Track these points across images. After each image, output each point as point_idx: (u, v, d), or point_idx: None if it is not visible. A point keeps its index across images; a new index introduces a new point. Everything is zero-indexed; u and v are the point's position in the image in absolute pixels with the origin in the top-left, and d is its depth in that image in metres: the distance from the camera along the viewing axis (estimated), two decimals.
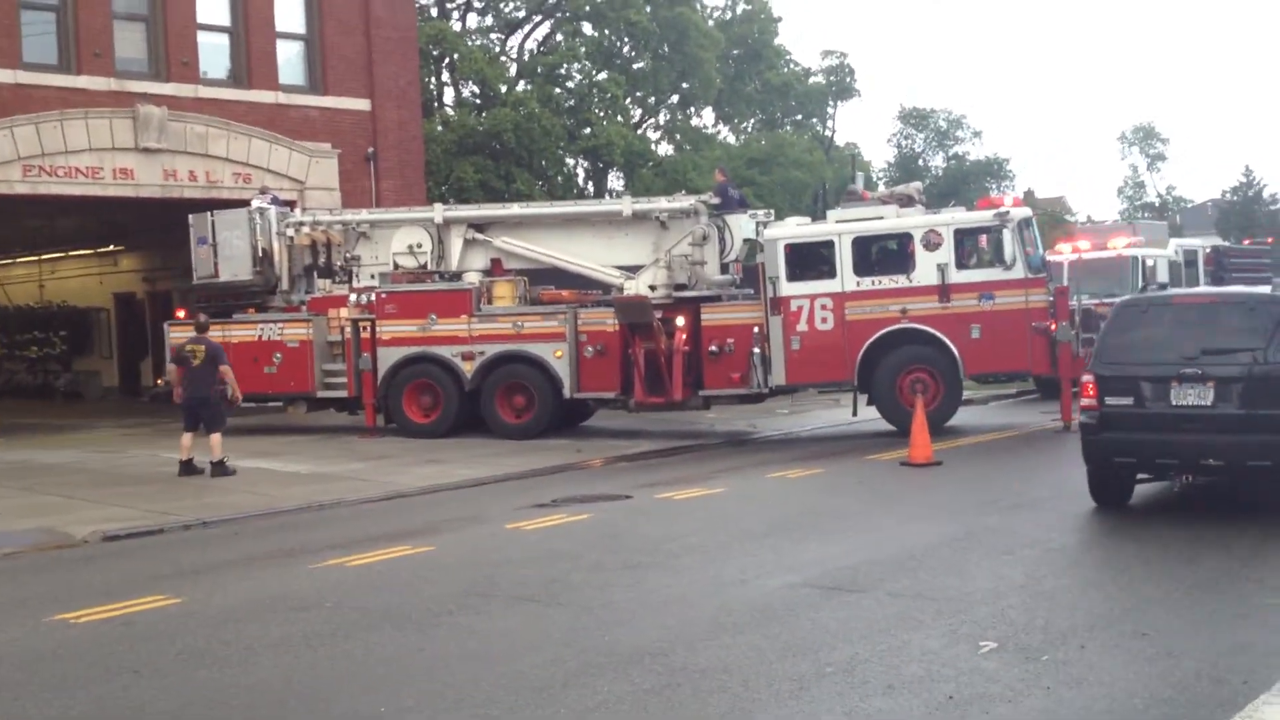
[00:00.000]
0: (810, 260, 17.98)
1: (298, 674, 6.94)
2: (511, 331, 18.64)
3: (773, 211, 20.94)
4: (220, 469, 15.06)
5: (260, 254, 20.45)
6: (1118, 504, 11.05)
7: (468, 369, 18.71)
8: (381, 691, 6.54)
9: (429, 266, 19.70)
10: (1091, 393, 10.62)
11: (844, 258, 17.61)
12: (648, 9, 37.72)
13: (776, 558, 9.57)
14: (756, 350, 17.76)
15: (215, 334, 18.08)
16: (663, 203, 19.27)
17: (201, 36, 24.11)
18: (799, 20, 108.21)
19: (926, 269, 17.28)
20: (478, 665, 6.94)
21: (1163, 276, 24.22)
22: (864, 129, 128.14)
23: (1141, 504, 11.34)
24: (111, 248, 31.98)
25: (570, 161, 38.24)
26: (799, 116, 49.63)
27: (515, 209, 20.83)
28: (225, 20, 24.54)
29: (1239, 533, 9.90)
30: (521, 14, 40.84)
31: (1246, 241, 33.92)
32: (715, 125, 46.48)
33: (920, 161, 57.06)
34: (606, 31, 38.30)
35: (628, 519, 11.77)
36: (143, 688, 6.79)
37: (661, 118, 43.01)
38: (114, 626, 8.15)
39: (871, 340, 17.39)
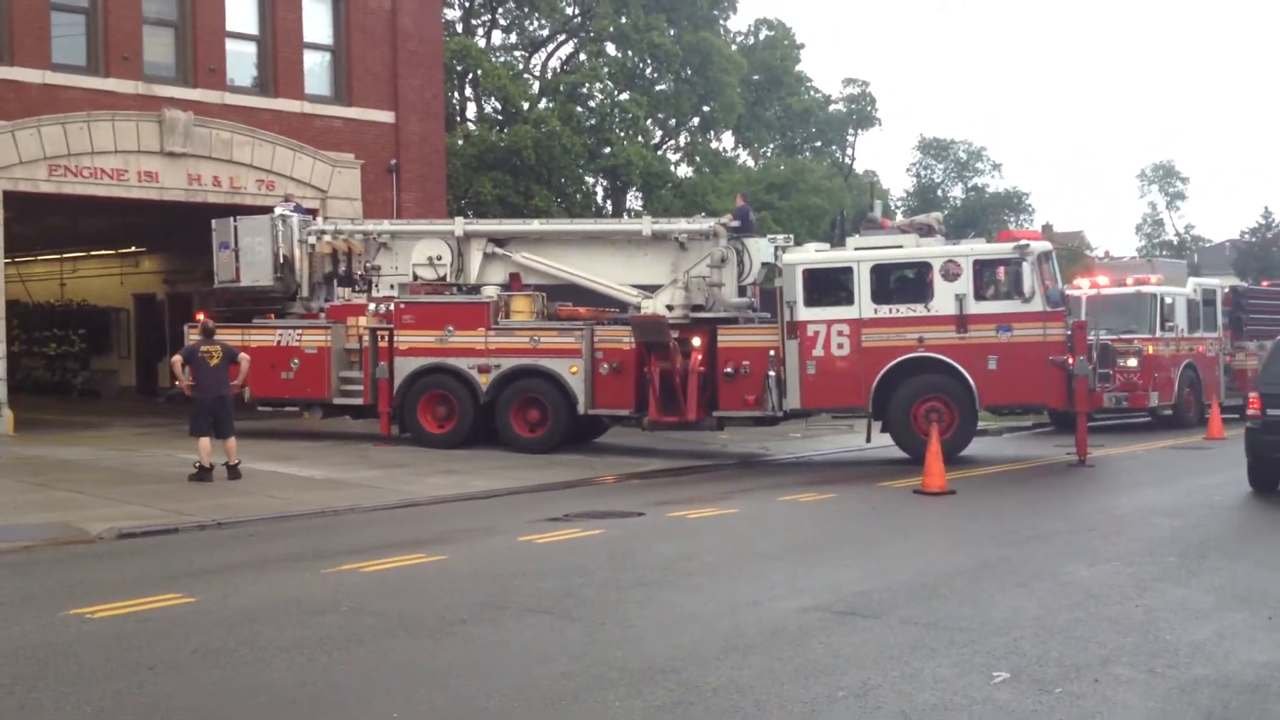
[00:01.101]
0: (828, 286, 18.02)
1: (311, 677, 6.96)
2: (528, 346, 18.71)
3: (792, 236, 21.01)
4: (235, 472, 15.13)
5: (281, 260, 20.59)
6: (1271, 489, 14.26)
7: (483, 381, 18.77)
8: (395, 697, 6.56)
9: (448, 279, 19.78)
10: (1257, 405, 14.09)
11: (862, 285, 17.65)
12: (671, 32, 37.92)
13: (789, 580, 9.58)
14: (772, 373, 17.80)
15: (235, 339, 18.28)
16: (682, 224, 19.34)
17: (229, 44, 24.34)
18: (822, 48, 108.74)
19: (944, 299, 17.30)
20: (490, 675, 6.95)
21: (1181, 315, 24.22)
22: (883, 158, 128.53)
23: (1161, 542, 11.32)
24: (133, 249, 32.20)
25: (589, 180, 38.41)
26: (818, 143, 49.87)
27: (536, 225, 20.94)
28: (253, 29, 24.77)
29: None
30: (546, 33, 41.11)
31: (1265, 283, 33.85)
32: (735, 149, 46.70)
33: (939, 192, 57.20)
34: (630, 53, 38.50)
35: (640, 536, 11.78)
36: (158, 685, 6.82)
37: (681, 140, 43.21)
38: (129, 623, 8.18)
39: (887, 368, 17.42)
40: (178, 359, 15.89)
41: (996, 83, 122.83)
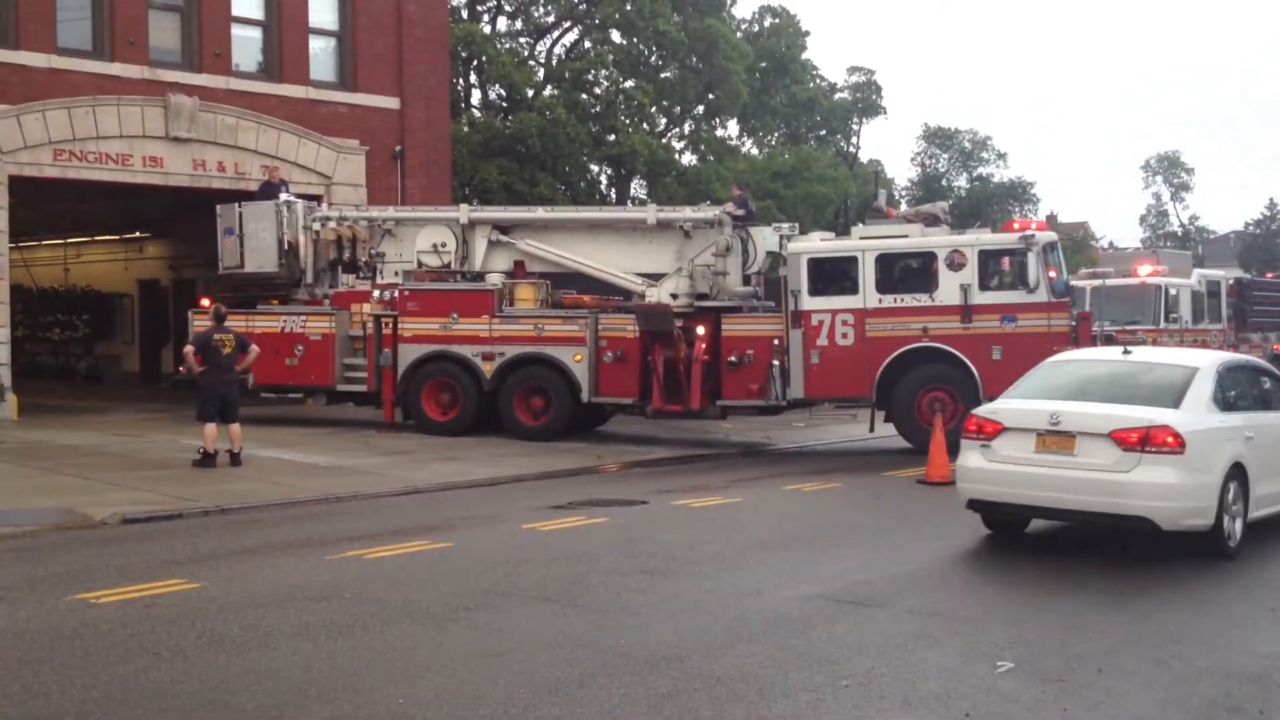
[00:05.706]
0: (833, 275, 17.99)
1: (316, 662, 6.98)
2: (532, 334, 18.70)
3: (797, 225, 20.97)
4: (236, 459, 15.16)
5: (286, 247, 20.55)
6: None
7: (487, 369, 18.77)
8: (400, 684, 6.58)
9: (452, 266, 19.76)
10: None
11: (867, 274, 17.62)
12: (677, 19, 37.80)
13: (793, 569, 9.59)
14: (776, 363, 17.78)
15: (239, 325, 18.24)
16: (687, 212, 19.32)
17: (235, 29, 24.28)
18: (827, 36, 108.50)
19: (949, 289, 17.27)
20: (495, 662, 6.97)
21: (1185, 306, 24.18)
22: (888, 147, 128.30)
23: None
24: (138, 234, 32.20)
25: (594, 167, 38.32)
26: (823, 132, 49.73)
27: (540, 212, 20.90)
28: (259, 14, 24.72)
29: (1262, 571, 9.88)
30: (551, 19, 40.99)
31: (1270, 275, 33.80)
32: (740, 137, 46.57)
33: (944, 181, 57.09)
34: (635, 40, 38.38)
35: (644, 525, 11.79)
36: (163, 670, 6.84)
37: (686, 128, 43.09)
38: (134, 608, 8.20)
39: (892, 357, 17.39)
40: (190, 348, 15.90)
41: (1002, 72, 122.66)
